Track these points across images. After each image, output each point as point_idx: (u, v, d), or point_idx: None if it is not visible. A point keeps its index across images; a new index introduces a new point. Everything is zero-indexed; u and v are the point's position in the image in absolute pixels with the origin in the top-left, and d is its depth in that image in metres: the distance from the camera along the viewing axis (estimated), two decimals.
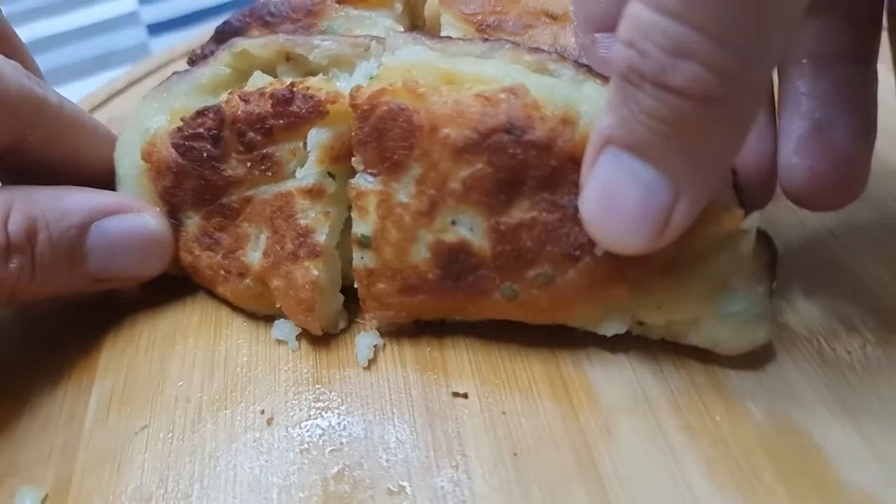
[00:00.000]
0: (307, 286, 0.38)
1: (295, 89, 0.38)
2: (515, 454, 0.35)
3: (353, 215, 0.38)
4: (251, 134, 0.38)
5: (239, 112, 0.38)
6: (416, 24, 0.51)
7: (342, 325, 0.42)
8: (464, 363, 0.40)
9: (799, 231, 0.45)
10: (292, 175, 0.39)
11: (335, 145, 0.38)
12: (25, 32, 0.83)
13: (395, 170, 0.36)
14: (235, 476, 0.36)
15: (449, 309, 0.39)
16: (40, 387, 0.42)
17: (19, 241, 0.37)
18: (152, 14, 0.85)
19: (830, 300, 0.41)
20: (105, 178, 0.45)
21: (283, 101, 0.38)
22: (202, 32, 0.71)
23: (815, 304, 0.41)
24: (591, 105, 0.34)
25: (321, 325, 0.40)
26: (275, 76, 0.41)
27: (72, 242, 0.39)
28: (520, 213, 0.35)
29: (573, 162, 0.33)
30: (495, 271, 0.36)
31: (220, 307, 0.45)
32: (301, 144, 0.39)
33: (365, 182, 0.37)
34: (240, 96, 0.39)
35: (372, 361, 0.40)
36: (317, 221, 0.38)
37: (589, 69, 0.35)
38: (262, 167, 0.39)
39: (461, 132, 0.34)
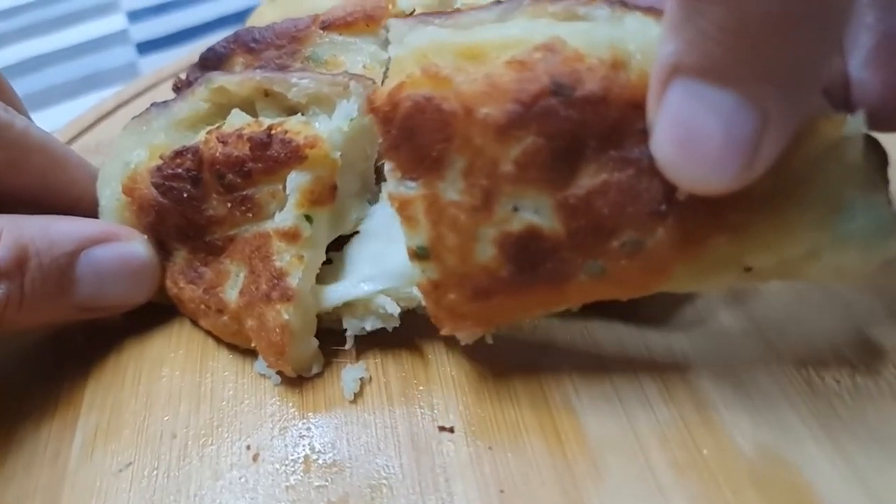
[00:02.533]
0: (277, 329, 0.38)
1: (273, 132, 0.37)
2: (502, 491, 0.35)
3: (403, 228, 0.34)
4: (230, 176, 0.38)
5: (217, 154, 0.38)
6: None
7: (316, 369, 0.41)
8: (450, 396, 0.39)
9: None
10: (273, 216, 0.39)
11: (314, 188, 0.38)
12: (12, 53, 0.83)
13: (437, 167, 0.32)
14: None
15: (531, 305, 0.35)
16: (25, 423, 0.41)
17: (9, 268, 0.37)
18: (142, 33, 0.85)
19: (819, 328, 0.40)
20: (82, 207, 0.44)
21: (260, 145, 0.37)
22: (192, 51, 0.71)
23: (804, 332, 0.40)
24: (639, 40, 0.30)
25: (293, 368, 0.40)
26: (254, 111, 0.41)
27: (62, 271, 0.39)
28: (588, 180, 0.31)
29: (635, 108, 0.29)
30: (574, 251, 0.32)
31: (205, 339, 0.44)
32: (280, 187, 0.38)
33: (406, 189, 0.33)
34: (217, 138, 0.38)
35: (358, 395, 0.40)
36: (291, 265, 0.38)
37: (623, 2, 0.31)
38: (243, 208, 0.39)
39: (501, 107, 0.30)
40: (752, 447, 0.35)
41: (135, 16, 0.88)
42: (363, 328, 0.41)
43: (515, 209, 0.32)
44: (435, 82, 0.31)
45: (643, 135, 0.29)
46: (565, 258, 0.32)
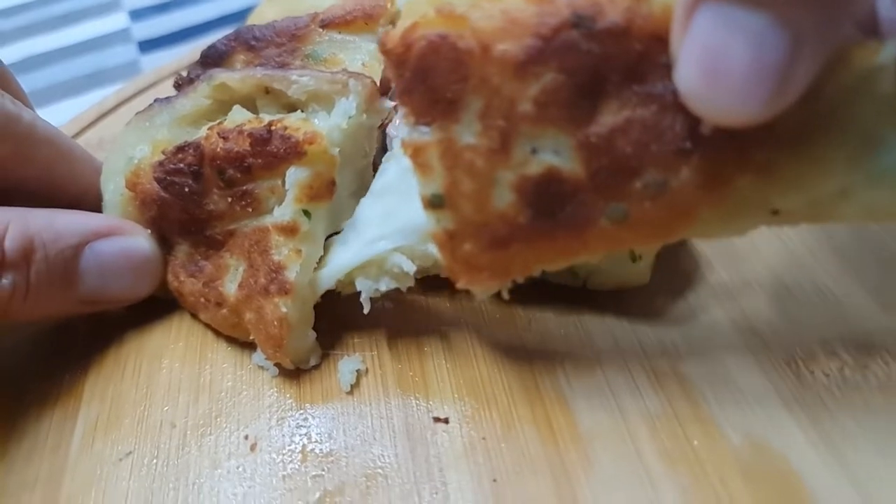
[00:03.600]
0: (276, 322, 0.38)
1: (273, 128, 0.38)
2: (495, 480, 0.36)
3: (417, 176, 0.33)
4: (231, 171, 0.39)
5: (218, 149, 0.39)
6: None
7: (314, 361, 0.42)
8: (445, 386, 0.40)
9: (779, 251, 0.45)
10: (272, 211, 0.40)
11: (313, 184, 0.38)
12: (15, 51, 0.84)
13: (452, 110, 0.31)
14: (218, 503, 0.36)
15: (550, 254, 0.33)
16: (27, 413, 0.42)
17: (15, 259, 0.38)
18: (144, 31, 0.86)
19: (810, 323, 0.41)
20: (86, 201, 0.45)
21: (260, 140, 0.38)
22: (193, 50, 0.72)
23: (794, 326, 0.41)
24: None
25: (291, 360, 0.40)
26: (255, 107, 0.41)
27: (66, 263, 0.40)
28: (609, 117, 0.29)
29: (658, 40, 0.28)
30: (595, 193, 0.31)
31: (205, 332, 0.45)
32: (280, 182, 0.39)
33: (420, 134, 0.32)
34: (219, 133, 0.39)
35: (355, 386, 0.41)
36: (289, 258, 0.39)
37: None
38: (243, 203, 0.40)
39: (520, 43, 0.29)
40: (741, 438, 0.36)
41: (136, 14, 0.89)
42: (377, 289, 0.39)
43: (534, 151, 0.30)
44: (450, 21, 0.30)
45: (667, 69, 0.28)
46: (586, 202, 0.31)
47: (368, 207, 0.40)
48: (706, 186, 0.30)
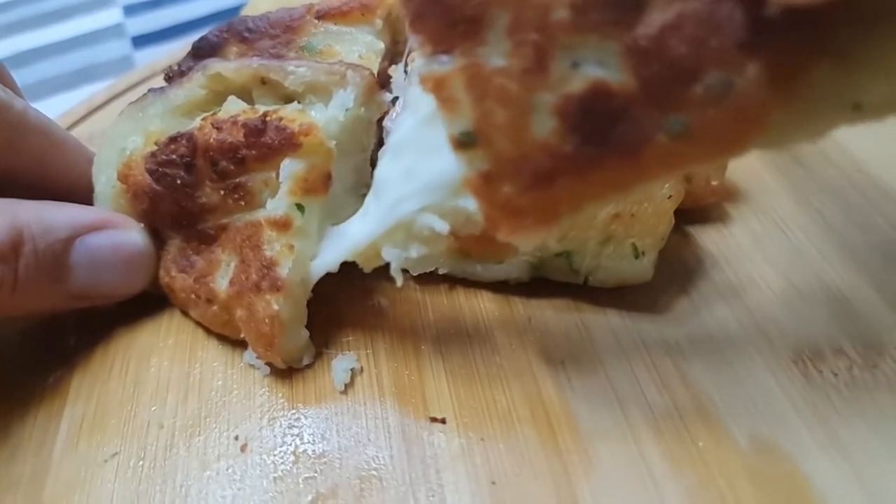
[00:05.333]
0: (267, 320, 0.37)
1: (268, 119, 0.37)
2: (493, 483, 0.34)
3: (441, 113, 0.29)
4: (224, 163, 0.38)
5: (212, 140, 0.38)
6: (397, 39, 0.50)
7: (307, 360, 0.41)
8: (442, 387, 0.39)
9: (787, 250, 0.44)
10: (265, 205, 0.38)
11: (308, 177, 0.37)
12: (10, 45, 0.83)
13: (475, 30, 0.27)
14: None
15: (603, 186, 0.29)
16: (11, 411, 0.41)
17: (4, 251, 0.36)
18: (138, 26, 0.85)
19: (818, 321, 0.40)
20: (78, 192, 0.44)
21: (255, 131, 0.37)
22: (186, 44, 0.71)
23: (802, 325, 0.40)
24: None
25: (283, 359, 0.39)
26: (251, 98, 0.40)
27: (56, 257, 0.39)
28: (658, 14, 0.25)
29: None
30: (650, 106, 0.27)
31: (195, 329, 0.44)
32: (274, 174, 0.38)
33: (440, 65, 0.28)
34: (213, 124, 0.38)
35: (349, 386, 0.40)
36: (281, 254, 0.37)
37: None
38: (236, 195, 0.39)
39: None
40: (748, 439, 0.35)
41: (130, 10, 0.88)
42: (407, 256, 0.35)
43: (575, 65, 0.26)
44: None
45: None
46: (639, 117, 0.27)
47: (386, 167, 0.36)
48: (776, 83, 0.26)
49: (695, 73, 0.26)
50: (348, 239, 0.37)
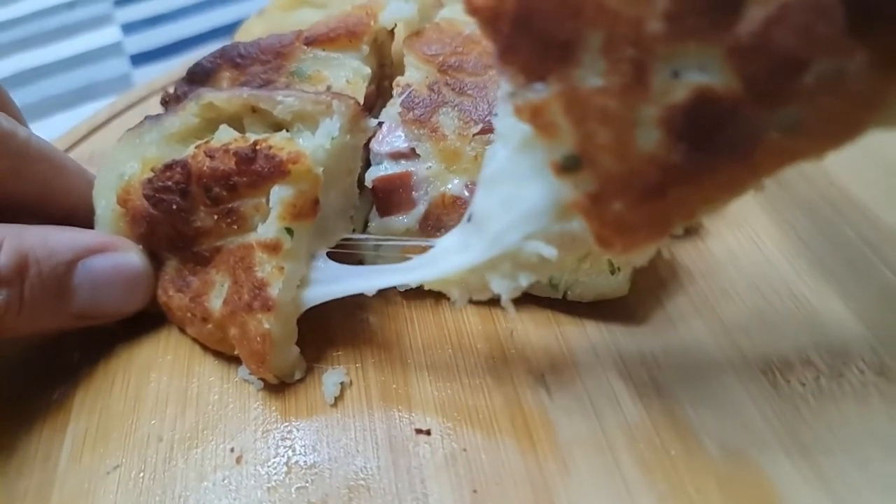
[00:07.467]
0: (259, 338, 0.39)
1: (258, 148, 0.39)
2: (475, 491, 0.36)
3: (540, 141, 0.29)
4: (217, 189, 0.40)
5: (205, 168, 0.40)
6: (384, 63, 0.52)
7: (299, 375, 0.42)
8: (427, 398, 0.41)
9: (759, 263, 0.46)
10: (256, 228, 0.40)
11: (297, 202, 0.39)
12: (9, 65, 0.84)
13: (568, 54, 0.27)
14: None
15: (715, 189, 0.29)
16: (18, 426, 0.42)
17: (9, 275, 0.38)
18: (136, 44, 0.86)
19: (787, 332, 0.42)
20: (79, 215, 0.46)
21: (246, 159, 0.39)
22: (184, 63, 0.72)
23: (771, 336, 0.42)
24: None
25: (274, 375, 0.41)
26: (242, 126, 0.42)
27: (60, 279, 0.41)
28: (758, 9, 0.25)
29: None
30: (758, 105, 0.26)
31: (192, 345, 0.46)
32: (264, 200, 0.40)
33: (535, 93, 0.28)
34: (206, 152, 0.40)
35: (339, 399, 0.41)
36: (272, 276, 0.39)
37: None
38: (229, 220, 0.41)
39: None
40: (718, 447, 0.37)
41: (129, 28, 0.90)
42: (517, 286, 0.35)
43: (676, 74, 0.26)
44: None
45: None
46: (749, 117, 0.26)
47: (483, 200, 0.35)
48: (889, 63, 0.25)
49: (804, 64, 0.25)
50: (442, 267, 0.37)
